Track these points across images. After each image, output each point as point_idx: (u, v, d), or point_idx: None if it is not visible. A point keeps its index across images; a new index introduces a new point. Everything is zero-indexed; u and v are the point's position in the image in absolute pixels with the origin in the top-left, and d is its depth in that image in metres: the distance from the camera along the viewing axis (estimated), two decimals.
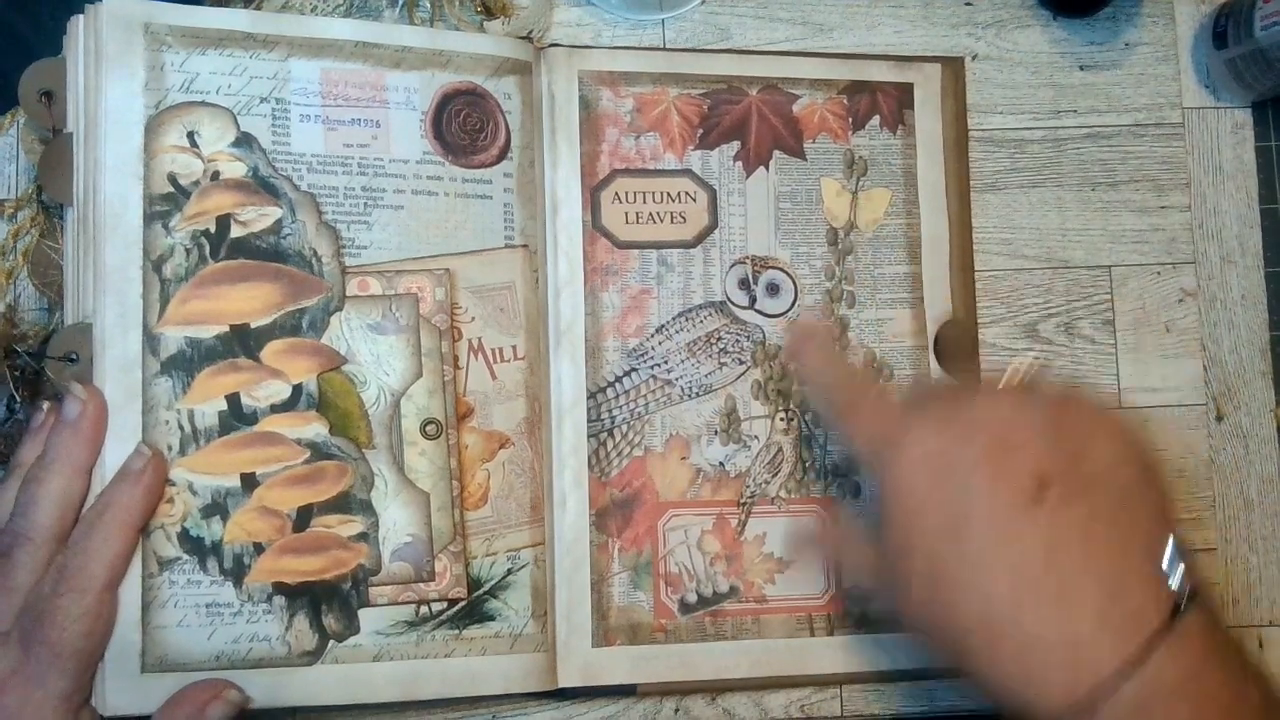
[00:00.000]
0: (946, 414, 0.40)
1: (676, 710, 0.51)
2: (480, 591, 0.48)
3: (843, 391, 0.45)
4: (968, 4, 0.56)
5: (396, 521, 0.47)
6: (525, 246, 0.51)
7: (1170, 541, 0.37)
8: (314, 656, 0.46)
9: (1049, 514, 0.37)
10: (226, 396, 0.46)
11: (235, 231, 0.46)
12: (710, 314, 0.52)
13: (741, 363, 0.52)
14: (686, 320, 0.52)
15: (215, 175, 0.47)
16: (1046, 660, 0.36)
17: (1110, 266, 0.55)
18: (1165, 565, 0.36)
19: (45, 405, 0.45)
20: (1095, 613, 0.35)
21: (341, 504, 0.47)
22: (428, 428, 0.48)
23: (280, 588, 0.46)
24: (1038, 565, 0.36)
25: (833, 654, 0.51)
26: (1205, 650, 0.35)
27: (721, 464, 0.52)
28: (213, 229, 0.46)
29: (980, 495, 0.37)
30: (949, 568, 0.38)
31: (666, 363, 0.52)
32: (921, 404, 0.42)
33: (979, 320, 0.54)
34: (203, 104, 0.47)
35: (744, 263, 0.53)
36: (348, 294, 0.47)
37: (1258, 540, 0.55)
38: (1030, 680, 0.36)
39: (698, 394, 0.52)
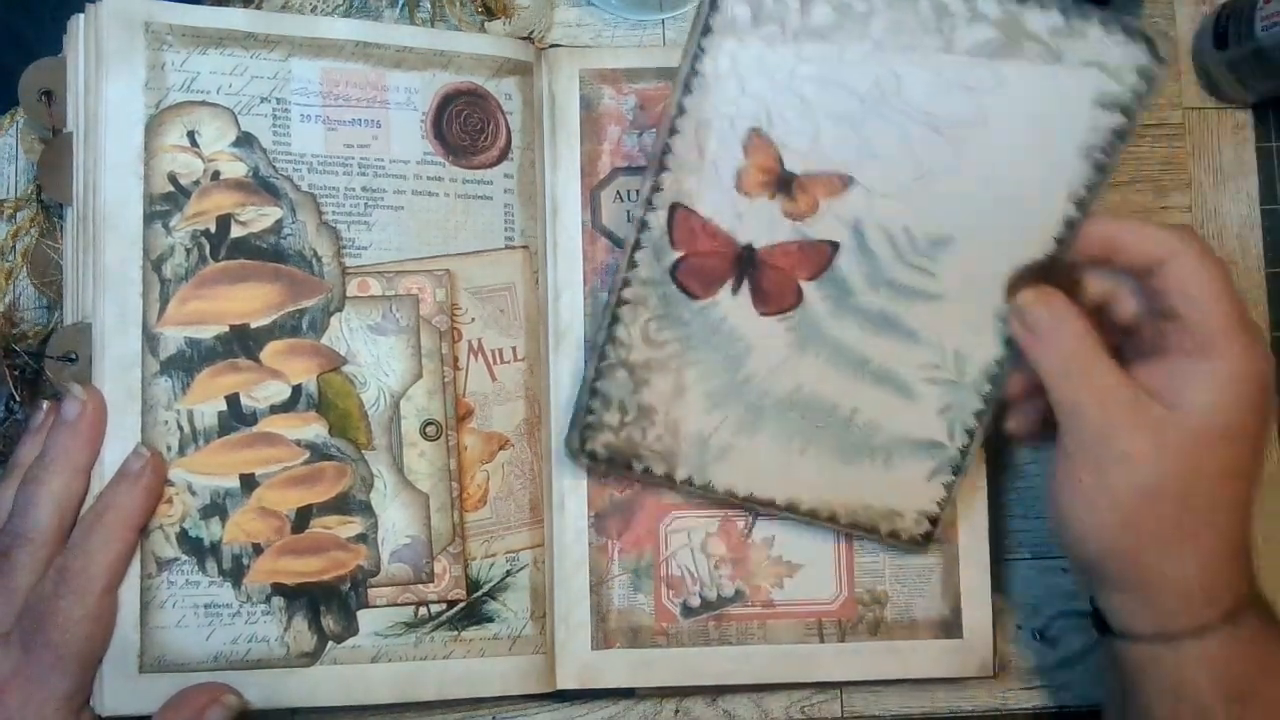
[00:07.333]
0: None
1: (676, 711, 0.51)
2: (479, 593, 0.48)
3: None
4: None
5: (396, 523, 0.47)
6: (525, 247, 0.50)
7: None
8: (312, 657, 0.46)
9: None
10: (226, 397, 0.46)
11: (235, 231, 0.46)
12: None
13: None
14: None
15: (216, 175, 0.46)
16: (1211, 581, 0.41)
17: None
18: None
19: (44, 405, 0.45)
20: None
21: (341, 505, 0.47)
22: (427, 429, 0.48)
23: (279, 588, 0.46)
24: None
25: (844, 661, 0.50)
26: None
27: None
28: (213, 229, 0.46)
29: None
30: (1197, 478, 0.40)
31: None
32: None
33: None
34: (203, 103, 0.47)
35: None
36: (348, 295, 0.47)
37: (1258, 541, 0.54)
38: (1185, 590, 0.41)
39: None
